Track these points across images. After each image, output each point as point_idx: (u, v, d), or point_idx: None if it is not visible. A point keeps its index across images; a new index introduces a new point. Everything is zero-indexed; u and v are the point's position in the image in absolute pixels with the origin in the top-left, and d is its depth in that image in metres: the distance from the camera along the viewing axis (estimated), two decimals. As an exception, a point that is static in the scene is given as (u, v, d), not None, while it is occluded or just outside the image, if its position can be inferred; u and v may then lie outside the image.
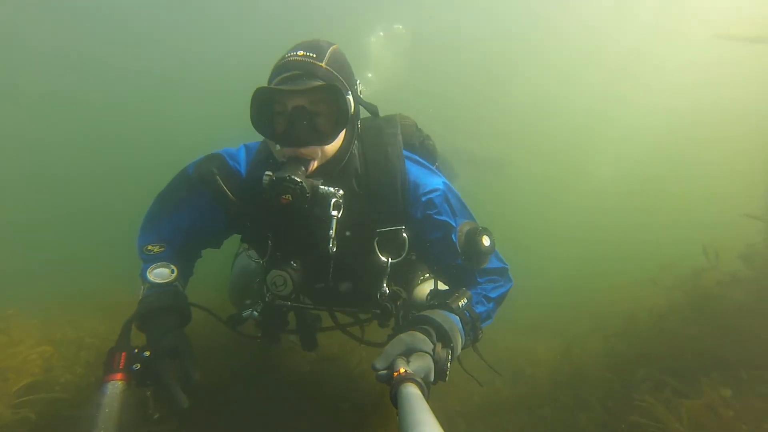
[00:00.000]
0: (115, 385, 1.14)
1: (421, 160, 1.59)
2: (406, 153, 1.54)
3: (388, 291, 1.47)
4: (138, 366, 1.19)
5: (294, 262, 1.43)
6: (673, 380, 1.99)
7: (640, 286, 3.30)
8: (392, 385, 0.96)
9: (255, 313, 1.57)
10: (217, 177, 1.45)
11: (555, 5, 10.59)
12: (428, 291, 1.63)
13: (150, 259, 1.51)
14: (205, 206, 1.52)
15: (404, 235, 1.45)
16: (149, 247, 1.54)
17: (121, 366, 1.18)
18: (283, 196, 1.21)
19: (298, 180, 1.20)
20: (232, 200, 1.45)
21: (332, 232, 1.33)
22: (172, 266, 1.48)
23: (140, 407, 1.29)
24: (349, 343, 1.77)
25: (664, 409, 1.77)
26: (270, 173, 1.24)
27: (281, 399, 1.98)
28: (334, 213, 1.32)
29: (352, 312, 1.76)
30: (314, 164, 1.31)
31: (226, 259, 2.22)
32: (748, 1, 4.80)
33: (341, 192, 1.33)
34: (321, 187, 1.29)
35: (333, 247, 1.35)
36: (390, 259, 1.45)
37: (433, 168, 1.62)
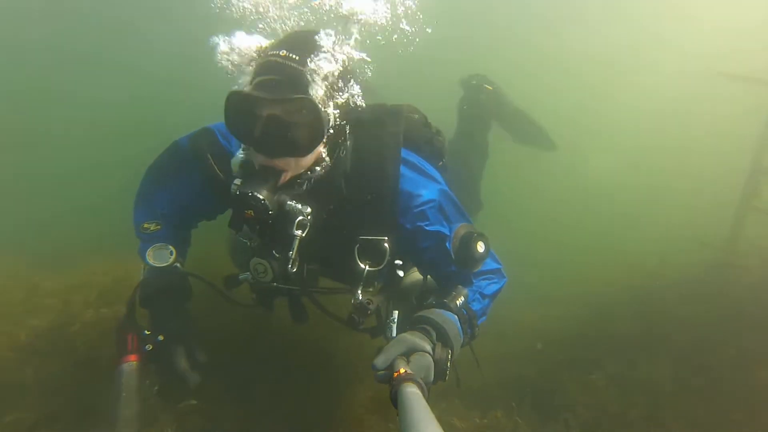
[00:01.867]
0: (131, 365, 1.27)
1: (420, 163, 1.53)
2: (405, 155, 1.47)
3: (360, 298, 1.45)
4: (150, 347, 1.31)
5: (276, 252, 1.40)
6: (594, 357, 2.62)
7: (598, 283, 3.84)
8: (392, 385, 0.96)
9: (250, 277, 1.56)
10: (209, 156, 1.45)
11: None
12: (417, 279, 1.69)
13: (148, 239, 1.52)
14: (197, 182, 1.53)
15: (386, 245, 1.41)
16: (145, 225, 1.55)
17: (135, 347, 1.29)
18: (246, 211, 1.21)
19: (261, 198, 1.18)
20: (222, 179, 1.43)
21: (292, 253, 1.31)
22: (171, 247, 1.50)
23: (147, 383, 1.40)
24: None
25: (572, 379, 2.43)
26: (238, 183, 1.23)
27: (281, 372, 2.01)
28: (298, 233, 1.29)
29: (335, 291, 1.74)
30: (287, 176, 1.27)
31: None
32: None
33: (309, 210, 1.29)
34: (288, 203, 1.26)
35: (293, 268, 1.34)
36: (368, 267, 1.43)
37: (433, 172, 1.56)
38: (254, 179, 1.23)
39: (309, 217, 1.29)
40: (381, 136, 1.43)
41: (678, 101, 8.39)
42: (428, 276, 1.66)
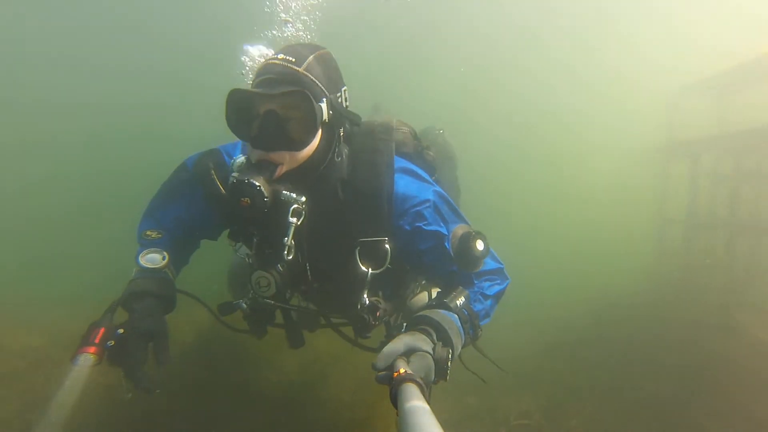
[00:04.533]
0: (87, 358, 1.16)
1: (413, 168, 1.56)
2: (398, 161, 1.51)
3: (367, 302, 1.45)
4: (113, 343, 1.20)
5: (280, 265, 1.42)
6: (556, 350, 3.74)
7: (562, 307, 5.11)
8: (392, 386, 0.96)
9: (244, 305, 1.57)
10: (213, 173, 1.48)
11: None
12: (423, 300, 1.69)
13: (146, 244, 1.53)
14: (201, 201, 1.55)
15: (387, 246, 1.43)
16: (148, 233, 1.56)
17: (97, 341, 1.19)
18: (242, 199, 1.23)
19: (257, 184, 1.22)
20: (224, 196, 1.44)
21: (287, 240, 1.33)
22: (165, 253, 1.50)
23: (115, 387, 1.31)
24: (341, 348, 1.72)
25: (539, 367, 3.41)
26: (235, 175, 1.26)
27: (268, 400, 2.03)
28: (293, 220, 1.32)
29: (336, 317, 1.76)
30: (282, 169, 1.31)
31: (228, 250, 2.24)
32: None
33: (303, 199, 1.32)
34: (283, 192, 1.29)
35: (289, 255, 1.35)
36: (371, 270, 1.44)
37: (426, 176, 1.59)
38: (250, 170, 1.28)
39: (304, 206, 1.33)
40: (374, 143, 1.48)
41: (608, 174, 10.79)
42: (431, 287, 1.74)
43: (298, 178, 1.33)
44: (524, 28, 13.39)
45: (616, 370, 3.33)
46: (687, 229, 5.02)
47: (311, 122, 1.27)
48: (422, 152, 1.76)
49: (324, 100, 1.30)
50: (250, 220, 1.44)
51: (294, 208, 1.31)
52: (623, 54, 12.92)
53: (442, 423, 0.79)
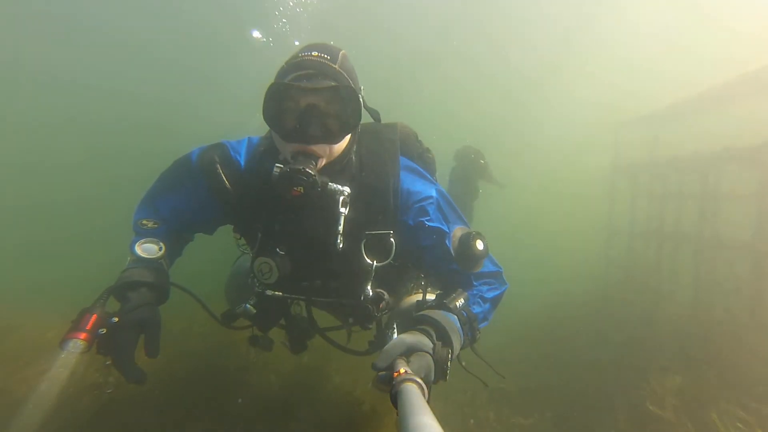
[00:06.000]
0: (77, 344, 1.12)
1: (417, 167, 1.59)
2: (402, 160, 1.53)
3: (371, 293, 1.45)
4: (104, 330, 1.18)
5: (280, 250, 1.42)
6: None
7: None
8: (392, 386, 0.96)
9: (248, 306, 1.58)
10: (218, 166, 1.47)
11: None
12: (416, 301, 1.66)
13: (142, 233, 1.51)
14: (203, 193, 1.52)
15: (392, 239, 1.43)
16: (144, 221, 1.53)
17: (88, 327, 1.15)
18: (295, 188, 1.23)
19: (312, 173, 1.23)
20: (229, 190, 1.45)
21: (340, 228, 1.34)
22: (161, 243, 1.48)
23: (101, 381, 1.29)
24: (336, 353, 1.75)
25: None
26: (281, 165, 1.25)
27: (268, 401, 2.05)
28: (343, 210, 1.33)
29: (337, 308, 1.75)
30: (322, 162, 1.32)
31: (226, 259, 2.24)
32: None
33: (348, 190, 1.35)
34: (330, 184, 1.32)
35: (340, 244, 1.35)
36: (375, 262, 1.44)
37: (429, 176, 1.61)
38: (298, 160, 1.27)
39: (348, 197, 1.34)
40: (380, 142, 1.52)
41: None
42: (429, 287, 1.74)
43: (333, 170, 1.38)
44: (515, 64, 15.54)
45: (567, 349, 4.21)
46: (629, 238, 5.97)
47: (354, 116, 1.32)
48: (423, 154, 1.81)
49: (360, 95, 1.36)
50: (286, 210, 1.43)
51: (342, 199, 1.35)
52: (590, 83, 14.79)
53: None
